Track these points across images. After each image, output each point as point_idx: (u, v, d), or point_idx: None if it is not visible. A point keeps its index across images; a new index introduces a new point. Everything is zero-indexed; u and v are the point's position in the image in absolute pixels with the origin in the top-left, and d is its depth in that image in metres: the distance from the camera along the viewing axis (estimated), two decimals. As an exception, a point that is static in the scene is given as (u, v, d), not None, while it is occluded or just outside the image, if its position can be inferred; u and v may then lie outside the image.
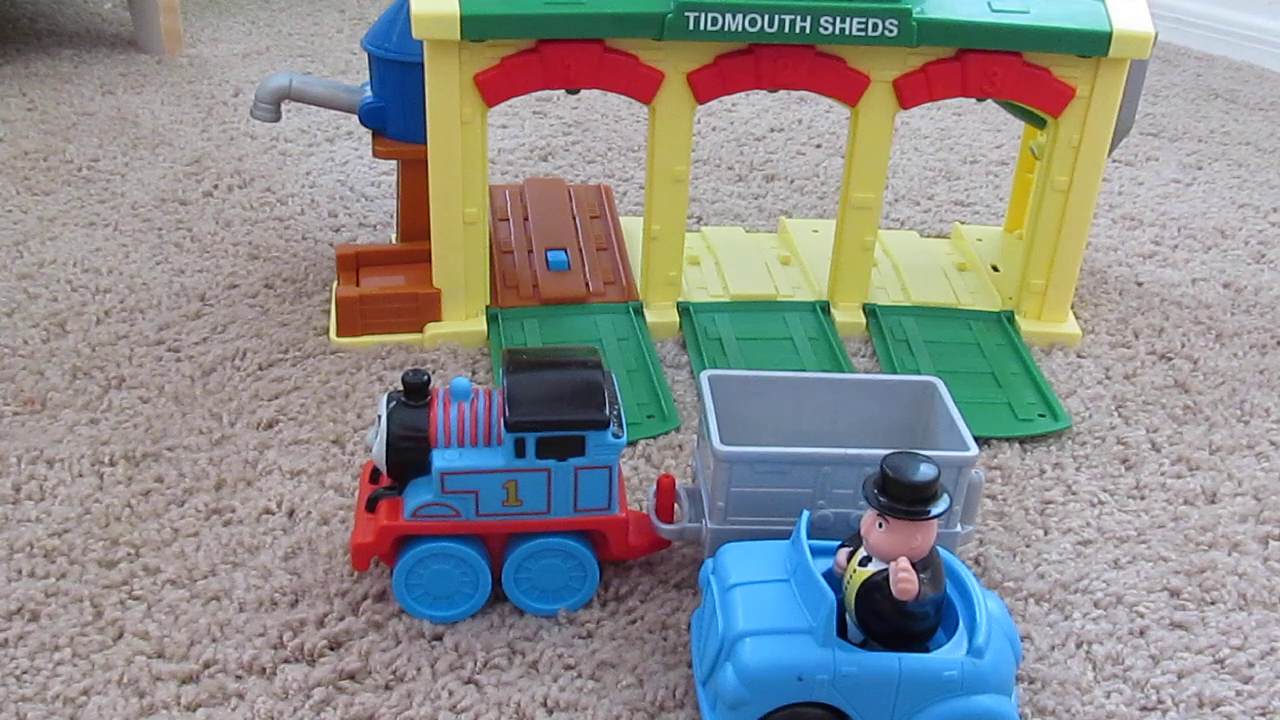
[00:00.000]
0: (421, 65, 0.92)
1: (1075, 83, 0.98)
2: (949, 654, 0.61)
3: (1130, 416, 0.96)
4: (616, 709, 0.66)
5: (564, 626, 0.72)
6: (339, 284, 1.06)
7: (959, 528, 0.73)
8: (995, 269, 1.16)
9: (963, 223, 1.28)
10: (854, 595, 0.61)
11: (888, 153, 1.02)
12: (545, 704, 0.66)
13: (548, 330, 1.03)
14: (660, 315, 1.05)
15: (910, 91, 0.98)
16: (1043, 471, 0.89)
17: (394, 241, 1.16)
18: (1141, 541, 0.82)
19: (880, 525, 0.60)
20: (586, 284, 1.08)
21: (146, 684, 0.67)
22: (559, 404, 0.68)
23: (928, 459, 0.60)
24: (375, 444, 0.69)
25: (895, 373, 0.99)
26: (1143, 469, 0.90)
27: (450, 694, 0.67)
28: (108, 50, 1.80)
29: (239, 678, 0.68)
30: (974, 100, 1.02)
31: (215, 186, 1.33)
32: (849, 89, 0.98)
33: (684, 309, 1.06)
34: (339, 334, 1.02)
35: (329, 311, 1.06)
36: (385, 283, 1.04)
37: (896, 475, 0.59)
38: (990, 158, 1.51)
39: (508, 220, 1.16)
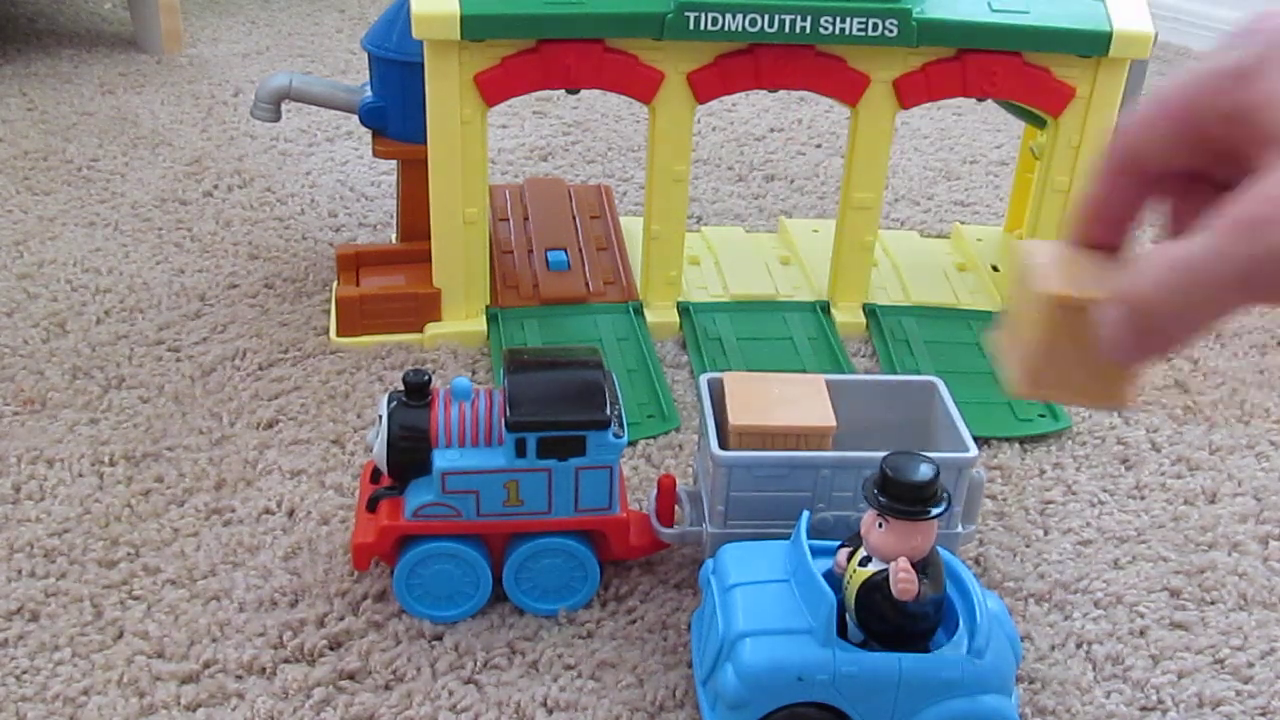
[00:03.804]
0: (421, 65, 0.92)
1: (1075, 83, 0.98)
2: (949, 654, 0.61)
3: (1130, 416, 0.96)
4: (616, 709, 0.66)
5: (564, 626, 0.72)
6: (339, 284, 1.06)
7: (959, 528, 0.73)
8: (995, 269, 1.16)
9: (963, 223, 1.28)
10: (854, 595, 0.61)
11: (888, 153, 1.02)
12: (545, 704, 0.66)
13: (548, 330, 1.03)
14: (660, 315, 1.05)
15: (910, 91, 0.98)
16: (1043, 471, 0.89)
17: (394, 241, 1.16)
18: (1141, 541, 0.82)
19: (880, 525, 0.60)
20: (586, 284, 1.08)
21: (146, 684, 0.67)
22: (560, 404, 0.68)
23: (928, 459, 0.60)
24: (376, 444, 0.69)
25: (895, 373, 0.99)
26: (1143, 469, 0.90)
27: (450, 694, 0.67)
28: (108, 50, 1.80)
29: (239, 678, 0.68)
30: (974, 100, 1.02)
31: (215, 186, 1.33)
32: (849, 89, 0.98)
33: (684, 309, 1.06)
34: (339, 334, 1.02)
35: (329, 311, 1.06)
36: (385, 283, 1.04)
37: (896, 475, 0.59)
38: (990, 158, 1.51)
39: (508, 220, 1.16)
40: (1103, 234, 0.47)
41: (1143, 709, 0.68)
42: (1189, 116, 0.41)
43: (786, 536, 0.66)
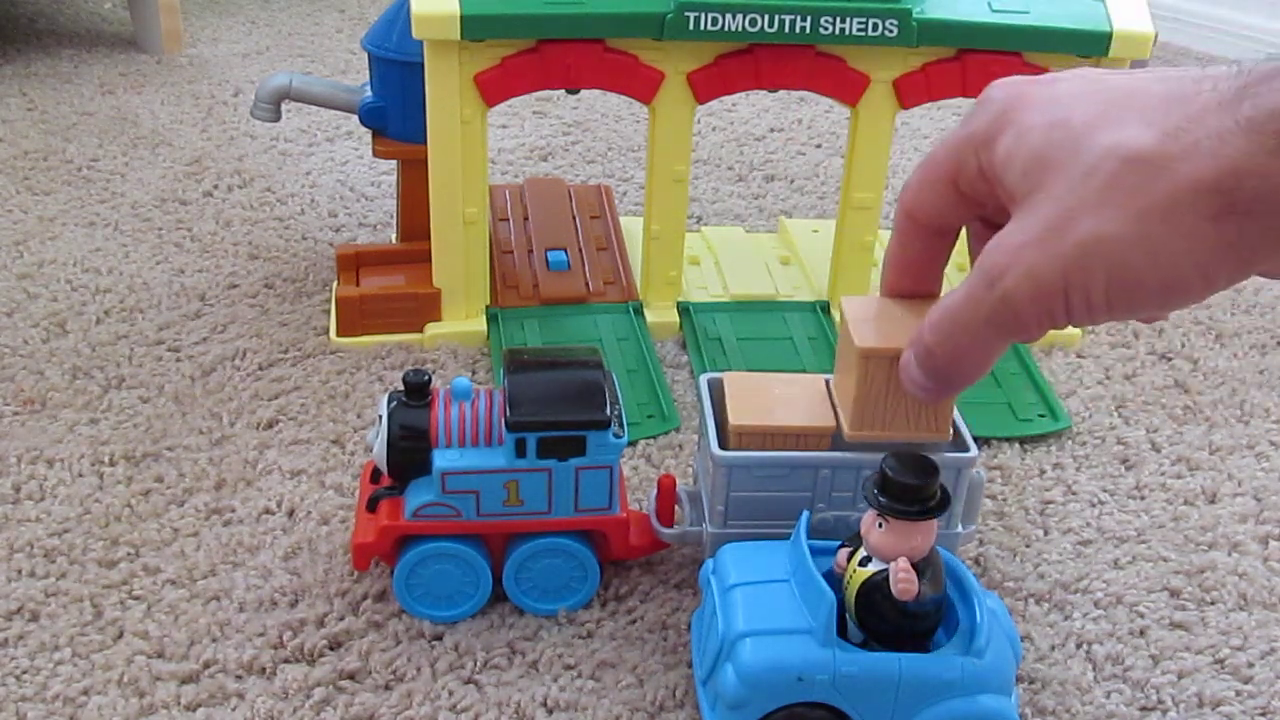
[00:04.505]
0: (421, 65, 0.92)
1: (1075, 83, 0.98)
2: (949, 654, 0.61)
3: (1130, 416, 0.96)
4: (616, 709, 0.66)
5: (564, 626, 0.72)
6: (339, 284, 1.06)
7: (959, 528, 0.73)
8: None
9: (963, 223, 1.28)
10: (854, 595, 0.61)
11: (888, 153, 1.02)
12: (545, 704, 0.66)
13: (548, 330, 1.03)
14: (660, 315, 1.05)
15: (910, 91, 0.98)
16: (1043, 471, 0.89)
17: (394, 241, 1.16)
18: (1141, 541, 0.82)
19: (880, 525, 0.60)
20: (586, 284, 1.08)
21: (146, 684, 0.67)
22: (560, 404, 0.68)
23: (928, 459, 0.60)
24: (376, 444, 0.70)
25: (895, 373, 0.99)
26: (1143, 469, 0.90)
27: (450, 694, 0.67)
28: (108, 50, 1.80)
29: (239, 678, 0.68)
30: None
31: (215, 186, 1.33)
32: (849, 89, 0.98)
33: (684, 309, 1.06)
34: (339, 334, 1.02)
35: (329, 311, 1.06)
36: (385, 283, 1.05)
37: (896, 475, 0.59)
38: (990, 158, 1.51)
39: (508, 220, 1.17)
40: (912, 285, 0.53)
41: (1143, 709, 0.68)
42: (950, 178, 0.47)
43: (787, 537, 0.66)
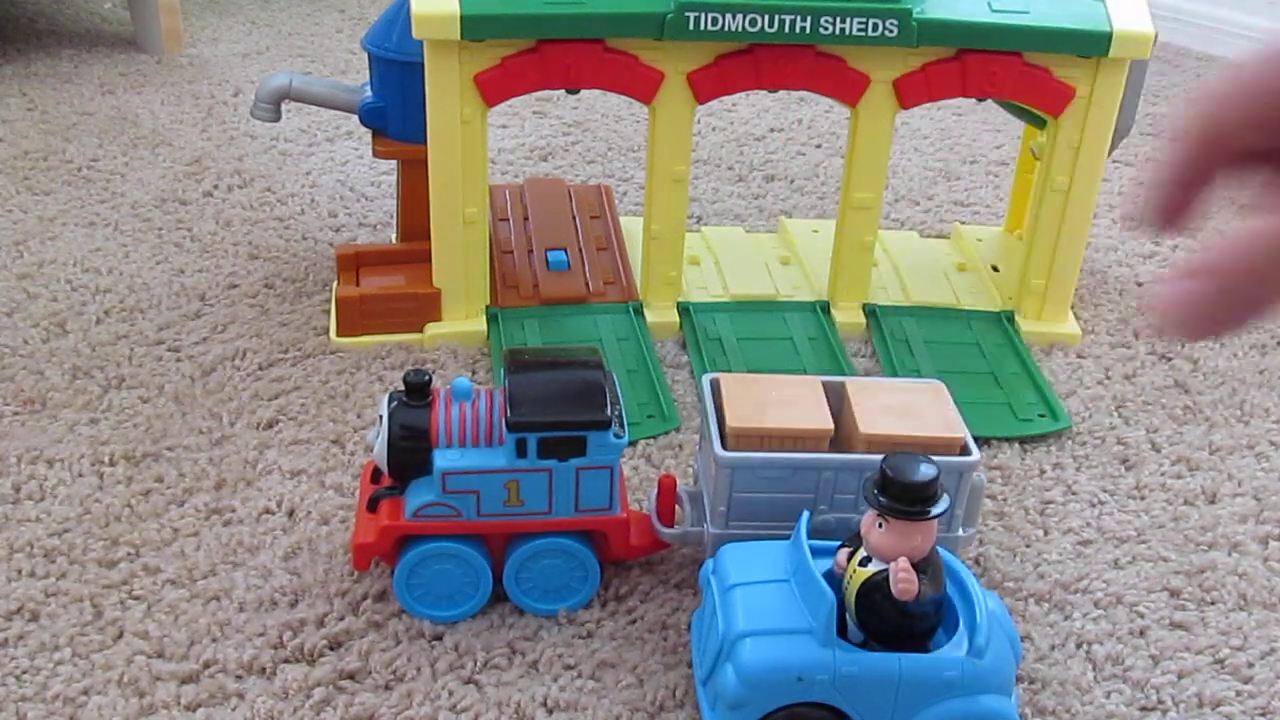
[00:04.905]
0: (421, 65, 0.92)
1: (1075, 83, 0.98)
2: (949, 654, 0.61)
3: (1130, 416, 0.96)
4: (616, 709, 0.66)
5: (564, 626, 0.72)
6: (339, 284, 1.06)
7: (960, 531, 0.73)
8: (995, 269, 1.16)
9: (963, 223, 1.28)
10: (854, 595, 0.61)
11: (888, 153, 1.02)
12: (545, 704, 0.66)
13: (548, 330, 1.03)
14: (660, 315, 1.05)
15: (910, 91, 0.98)
16: (1043, 471, 0.89)
17: (394, 241, 1.16)
18: (1141, 541, 0.82)
19: (880, 525, 0.60)
20: (586, 284, 1.08)
21: (146, 684, 0.67)
22: (560, 404, 0.68)
23: (928, 459, 0.60)
24: (377, 444, 0.69)
25: (895, 373, 0.99)
26: (1143, 469, 0.90)
27: (450, 694, 0.67)
28: (108, 50, 1.80)
29: (239, 678, 0.68)
30: (974, 100, 1.02)
31: (215, 186, 1.33)
32: (849, 89, 0.98)
33: (684, 309, 1.06)
34: (339, 334, 1.02)
35: (329, 311, 1.06)
36: (385, 283, 1.04)
37: (896, 475, 0.59)
38: (990, 158, 1.51)
39: (508, 220, 1.16)
40: (1180, 203, 0.44)
41: (1143, 709, 0.68)
42: (1262, 90, 0.39)
43: (787, 538, 0.66)
